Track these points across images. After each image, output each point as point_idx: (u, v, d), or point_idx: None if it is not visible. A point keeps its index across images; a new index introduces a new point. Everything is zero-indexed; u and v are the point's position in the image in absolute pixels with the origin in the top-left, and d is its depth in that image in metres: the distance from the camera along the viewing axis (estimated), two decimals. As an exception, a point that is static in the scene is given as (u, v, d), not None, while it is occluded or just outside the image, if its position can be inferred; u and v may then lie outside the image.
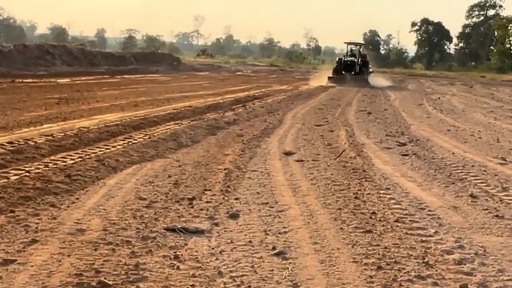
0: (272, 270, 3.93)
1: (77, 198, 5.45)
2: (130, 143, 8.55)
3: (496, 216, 5.47)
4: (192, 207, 5.39)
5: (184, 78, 31.02)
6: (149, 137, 9.17)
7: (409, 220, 5.20)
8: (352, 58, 32.41)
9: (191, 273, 3.77)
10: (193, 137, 9.64)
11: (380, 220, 5.17)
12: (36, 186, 5.60)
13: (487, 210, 5.67)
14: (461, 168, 7.92)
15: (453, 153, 9.17)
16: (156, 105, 14.66)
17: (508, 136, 11.64)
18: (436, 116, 15.69)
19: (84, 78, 24.31)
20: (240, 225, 4.91)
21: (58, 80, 22.39)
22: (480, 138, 11.19)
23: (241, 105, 15.82)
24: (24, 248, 4.06)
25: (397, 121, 13.79)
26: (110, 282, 3.54)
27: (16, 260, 3.81)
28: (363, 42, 37.52)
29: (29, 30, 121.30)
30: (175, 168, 7.12)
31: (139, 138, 9.08)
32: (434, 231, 4.91)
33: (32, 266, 3.74)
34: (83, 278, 3.59)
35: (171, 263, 3.93)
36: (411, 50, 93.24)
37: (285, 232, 4.75)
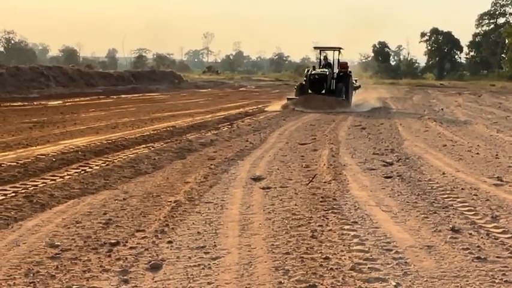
0: None
1: (-26, 248, 4.57)
2: (82, 172, 7.68)
3: (477, 258, 4.47)
4: (110, 255, 4.47)
5: (182, 96, 30.22)
6: (107, 164, 8.30)
7: (368, 268, 4.23)
8: (324, 70, 21.78)
9: None
10: (157, 162, 8.73)
11: (332, 269, 4.20)
12: None
13: (467, 250, 4.67)
14: (448, 192, 6.92)
15: (443, 173, 8.16)
16: (137, 126, 13.82)
17: (509, 151, 10.58)
18: (434, 129, 14.63)
19: (77, 99, 23.60)
20: (156, 281, 3.97)
21: (49, 103, 21.65)
22: (478, 154, 10.14)
23: (228, 123, 14.94)
24: None
25: (391, 136, 12.79)
26: None
27: None
28: (340, 46, 23.69)
29: (41, 53, 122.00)
30: (116, 203, 6.21)
31: (95, 166, 8.22)
32: (395, 283, 3.93)
33: None
34: None
35: None
36: (422, 60, 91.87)
37: (207, 291, 3.81)
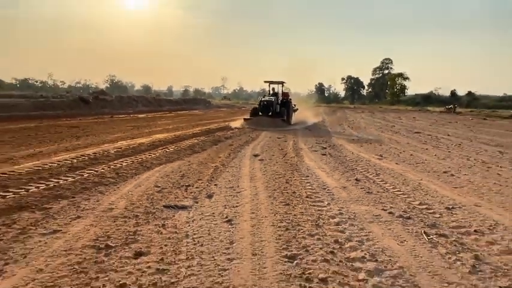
0: (220, 232, 3.54)
1: (118, 187, 5.05)
2: (164, 152, 8.13)
3: (368, 192, 5.05)
4: (186, 191, 4.98)
5: (211, 112, 30.45)
6: (177, 148, 8.75)
7: (315, 196, 4.79)
8: (271, 98, 17.50)
9: (167, 236, 3.38)
10: (203, 146, 9.19)
11: (297, 197, 4.75)
12: (94, 180, 5.21)
13: (363, 189, 5.24)
14: (354, 162, 7.48)
15: (352, 153, 8.71)
16: (189, 128, 14.14)
17: (387, 142, 11.14)
18: (348, 131, 15.18)
19: (153, 114, 23.86)
20: (212, 202, 4.51)
21: (139, 116, 21.89)
22: (370, 143, 10.71)
23: (238, 126, 15.35)
24: (70, 222, 3.68)
25: (325, 134, 13.30)
26: (113, 245, 3.15)
27: (61, 230, 3.44)
28: (283, 81, 18.71)
29: (130, 88, 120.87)
30: (185, 166, 6.69)
31: (171, 148, 8.65)
32: (327, 203, 4.50)
33: (68, 234, 3.36)
34: (97, 241, 3.21)
35: (158, 230, 3.54)
36: (342, 93, 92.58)
37: (237, 206, 4.35)
